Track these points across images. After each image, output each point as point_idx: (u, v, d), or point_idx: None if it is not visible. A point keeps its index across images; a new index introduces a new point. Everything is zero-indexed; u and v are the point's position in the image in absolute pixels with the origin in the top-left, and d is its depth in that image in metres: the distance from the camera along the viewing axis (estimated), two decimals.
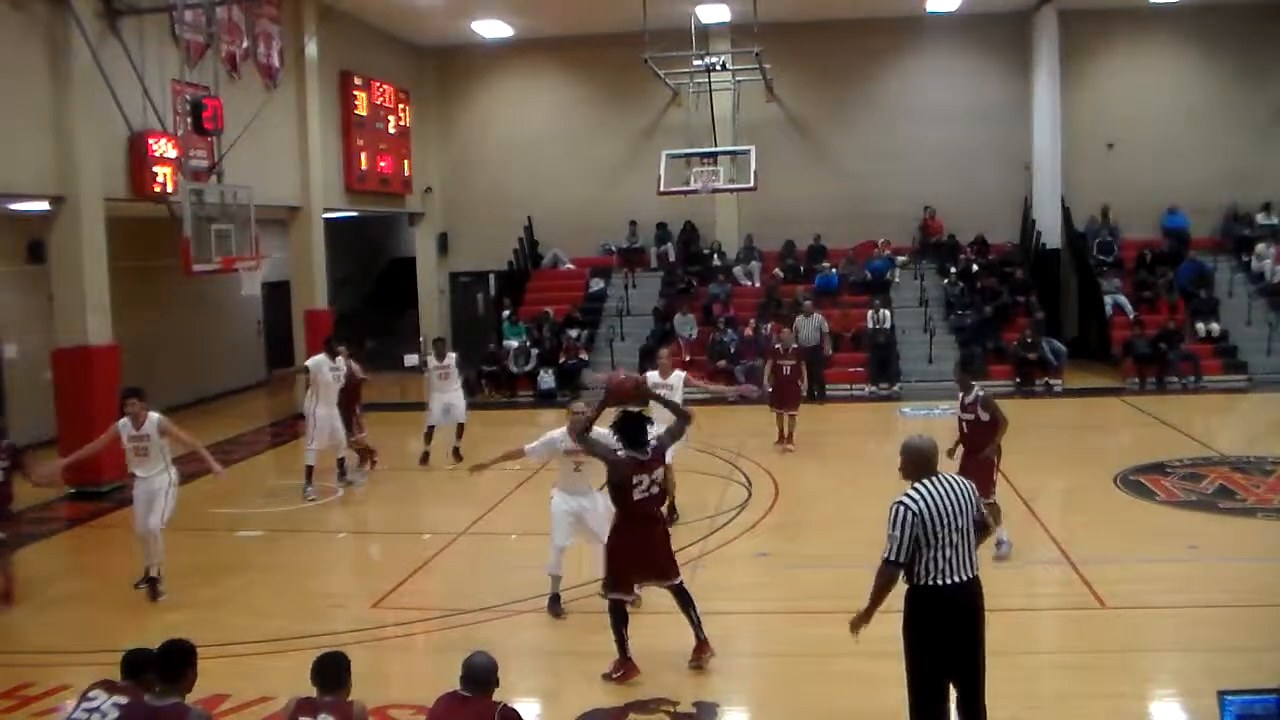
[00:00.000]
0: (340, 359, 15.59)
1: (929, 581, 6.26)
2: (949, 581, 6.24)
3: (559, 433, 10.06)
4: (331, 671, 5.58)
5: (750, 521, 13.10)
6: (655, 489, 8.54)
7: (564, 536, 10.08)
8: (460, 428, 17.42)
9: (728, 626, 9.74)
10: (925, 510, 6.22)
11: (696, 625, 8.65)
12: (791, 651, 9.02)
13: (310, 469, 15.17)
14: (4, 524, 11.51)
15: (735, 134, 25.65)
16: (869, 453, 16.88)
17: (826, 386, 22.34)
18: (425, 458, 17.23)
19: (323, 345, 15.94)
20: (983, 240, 26.29)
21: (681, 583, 8.71)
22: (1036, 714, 7.59)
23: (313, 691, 5.54)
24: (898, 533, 6.23)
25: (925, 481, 6.35)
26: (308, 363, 15.57)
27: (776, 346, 17.51)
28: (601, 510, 9.81)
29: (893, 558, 6.26)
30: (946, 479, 6.40)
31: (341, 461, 15.78)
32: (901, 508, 6.25)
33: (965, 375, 11.75)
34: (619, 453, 8.38)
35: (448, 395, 17.31)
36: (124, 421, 11.06)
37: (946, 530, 6.24)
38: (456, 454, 17.10)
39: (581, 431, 8.87)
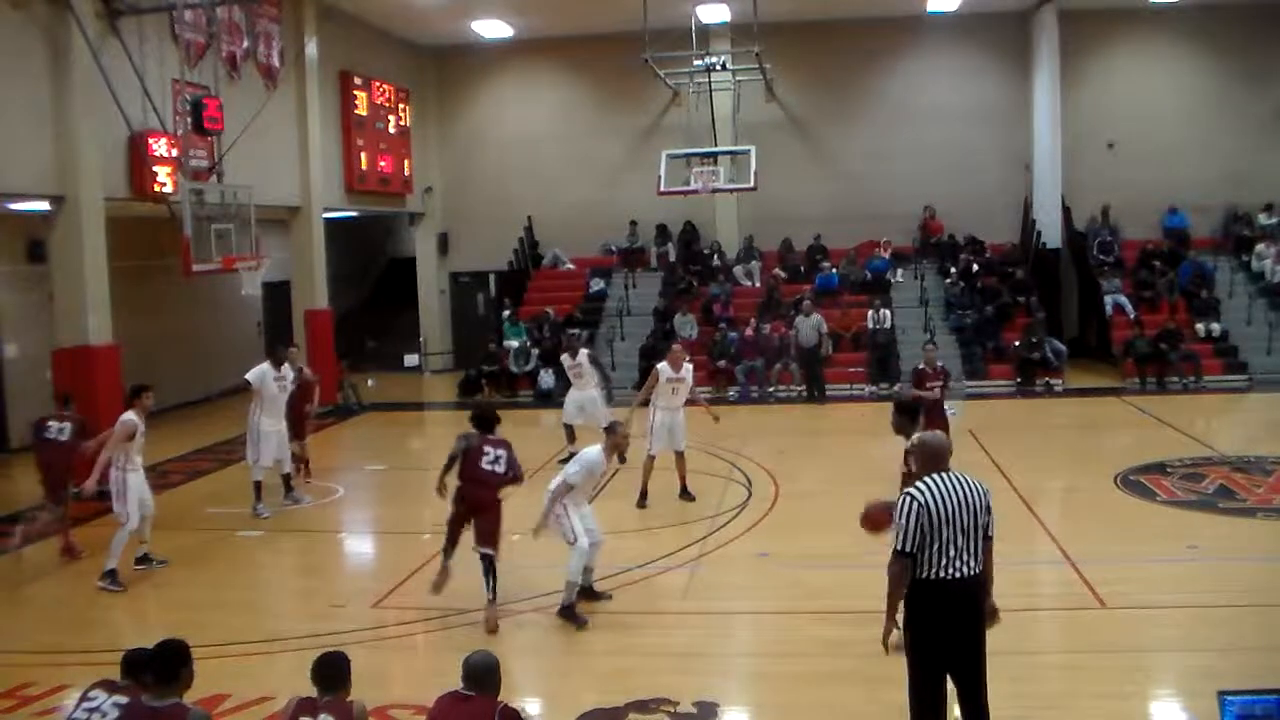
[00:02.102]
0: (286, 366, 14.62)
1: (931, 575, 6.31)
2: (950, 575, 6.29)
3: (596, 456, 10.01)
4: (332, 671, 5.58)
5: (751, 521, 13.10)
6: (500, 466, 10.00)
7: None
8: (569, 429, 16.52)
9: (728, 626, 9.77)
10: (931, 503, 6.29)
11: (490, 590, 9.88)
12: (792, 651, 9.01)
13: (259, 485, 14.34)
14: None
15: (735, 134, 25.64)
16: (869, 453, 16.85)
17: (826, 386, 22.37)
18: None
19: (267, 353, 15.13)
20: (979, 241, 26.26)
21: (489, 554, 9.91)
22: (1037, 714, 7.58)
23: (313, 691, 5.54)
24: (905, 523, 6.31)
25: (936, 476, 6.45)
26: (248, 376, 14.30)
27: (922, 367, 14.57)
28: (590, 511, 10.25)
29: (901, 548, 6.34)
30: (959, 477, 6.47)
31: (288, 478, 14.75)
32: (908, 498, 6.35)
33: (906, 420, 9.06)
34: (473, 434, 10.15)
35: (582, 394, 16.53)
36: (132, 416, 11.55)
37: (952, 526, 6.30)
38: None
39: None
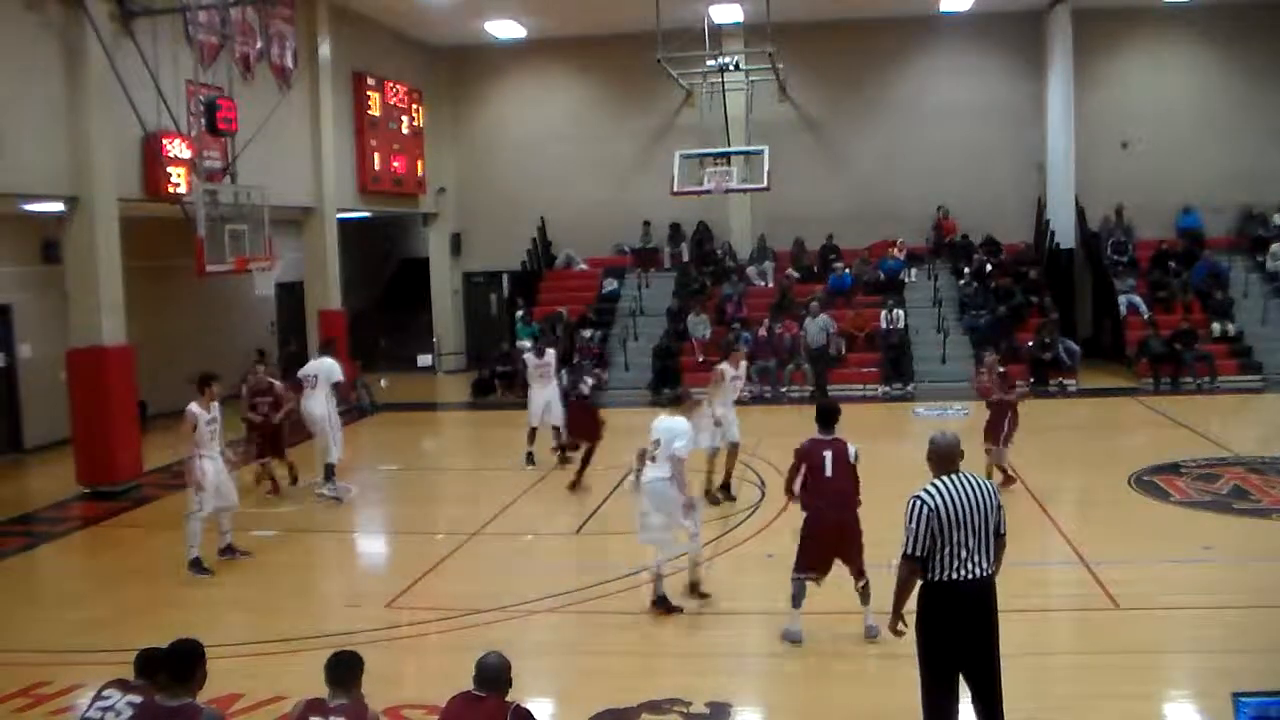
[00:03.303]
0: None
1: (942, 577, 6.31)
2: (961, 577, 6.28)
3: (688, 425, 10.17)
4: (344, 670, 5.58)
5: (764, 521, 13.08)
6: (586, 389, 15.72)
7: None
8: (557, 429, 16.79)
9: (741, 626, 9.76)
10: (940, 505, 6.28)
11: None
12: (804, 652, 8.98)
13: (332, 467, 14.93)
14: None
15: (748, 134, 25.59)
16: (882, 453, 16.74)
17: (836, 388, 22.29)
18: (530, 458, 16.64)
19: (324, 347, 15.75)
20: (995, 241, 26.22)
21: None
22: (1050, 714, 7.55)
23: (325, 691, 5.54)
24: (914, 526, 6.31)
25: (945, 478, 6.44)
26: (339, 377, 15.20)
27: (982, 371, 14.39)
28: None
29: (910, 552, 6.34)
30: (968, 478, 6.45)
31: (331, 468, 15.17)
32: (917, 502, 6.35)
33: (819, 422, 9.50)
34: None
35: (546, 394, 16.84)
36: (192, 408, 11.76)
37: (962, 528, 6.28)
38: (562, 454, 16.63)
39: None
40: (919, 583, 6.42)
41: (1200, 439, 17.02)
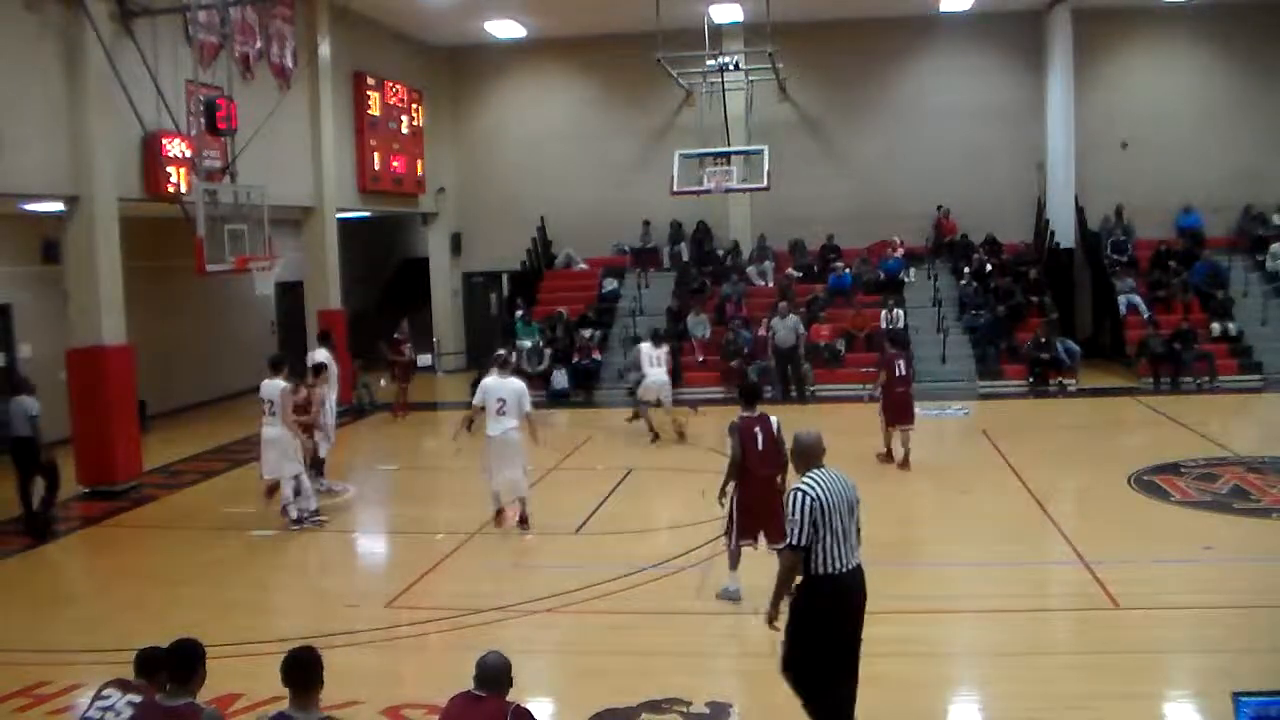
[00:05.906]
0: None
1: (825, 570, 6.53)
2: (839, 569, 6.54)
3: (523, 384, 12.79)
4: (308, 669, 5.29)
5: None
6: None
7: None
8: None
9: (740, 627, 9.74)
10: (820, 495, 6.54)
11: None
12: None
13: (323, 461, 15.22)
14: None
15: (748, 134, 25.62)
16: (875, 452, 16.81)
17: (836, 387, 22.23)
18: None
19: (320, 339, 16.28)
20: (994, 240, 26.23)
21: None
22: (1048, 715, 7.56)
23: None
24: (798, 518, 6.51)
25: (816, 471, 6.71)
26: (321, 359, 15.52)
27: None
28: None
29: (796, 542, 6.54)
30: (833, 472, 6.74)
31: (322, 462, 15.49)
32: (800, 493, 6.56)
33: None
34: None
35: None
36: (284, 383, 13.30)
37: (838, 516, 6.54)
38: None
39: None
40: (800, 578, 6.62)
41: (1200, 439, 17.01)
